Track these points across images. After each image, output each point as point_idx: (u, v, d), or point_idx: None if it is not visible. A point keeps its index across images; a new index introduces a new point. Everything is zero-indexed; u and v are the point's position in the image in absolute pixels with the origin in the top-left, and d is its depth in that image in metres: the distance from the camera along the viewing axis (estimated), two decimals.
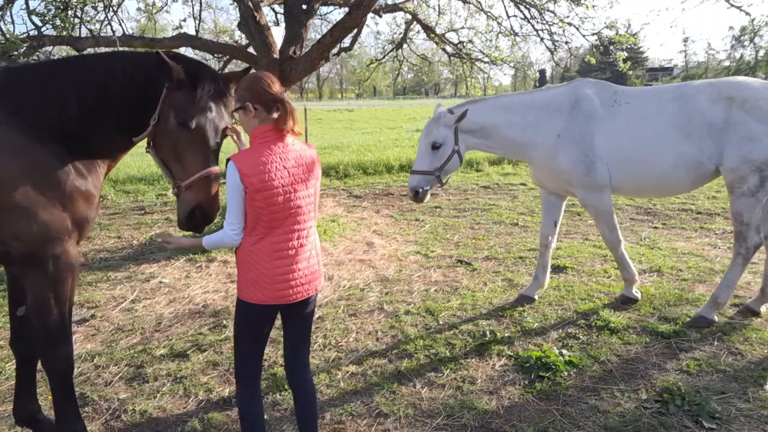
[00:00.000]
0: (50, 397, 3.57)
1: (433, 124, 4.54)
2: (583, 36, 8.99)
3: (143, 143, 2.87)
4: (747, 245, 4.30)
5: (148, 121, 2.73)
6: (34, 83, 2.65)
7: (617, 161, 4.42)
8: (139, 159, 14.08)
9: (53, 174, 2.59)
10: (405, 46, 10.64)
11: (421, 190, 4.52)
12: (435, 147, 4.50)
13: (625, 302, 4.89)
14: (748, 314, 4.62)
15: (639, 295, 4.91)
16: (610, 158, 4.42)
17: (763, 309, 4.59)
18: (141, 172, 12.04)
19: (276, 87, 2.48)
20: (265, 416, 3.31)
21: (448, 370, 3.86)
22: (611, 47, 9.48)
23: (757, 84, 4.30)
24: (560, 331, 4.45)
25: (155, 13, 7.88)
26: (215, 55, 8.61)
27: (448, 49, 9.97)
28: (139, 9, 7.86)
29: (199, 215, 2.73)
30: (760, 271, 5.65)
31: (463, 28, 10.08)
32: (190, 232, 2.87)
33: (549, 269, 5.10)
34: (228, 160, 2.37)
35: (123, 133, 2.82)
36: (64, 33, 6.26)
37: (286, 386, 3.65)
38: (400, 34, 10.56)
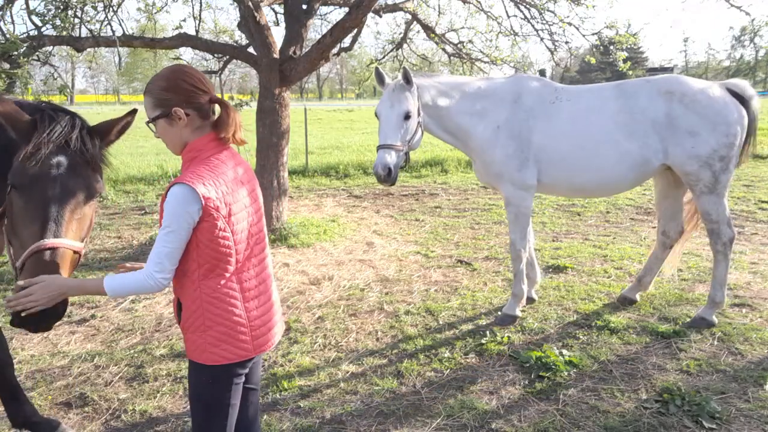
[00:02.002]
0: (50, 397, 3.58)
1: (401, 92, 4.11)
2: (583, 36, 8.97)
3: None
4: (723, 241, 4.33)
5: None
6: None
7: (555, 160, 4.33)
8: (138, 159, 14.11)
9: None
10: (405, 46, 10.62)
11: (394, 167, 4.02)
12: (407, 117, 4.10)
13: (504, 321, 4.54)
14: (625, 303, 4.85)
15: (520, 313, 4.61)
16: (548, 157, 4.32)
17: (638, 297, 4.89)
18: (141, 172, 12.05)
19: (207, 84, 1.94)
20: (265, 416, 3.32)
21: (448, 370, 3.86)
22: (611, 47, 9.47)
23: (692, 80, 4.34)
24: (560, 331, 4.44)
25: (155, 13, 7.87)
26: (215, 55, 8.61)
27: (448, 49, 9.96)
28: (139, 9, 7.86)
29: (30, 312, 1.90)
30: (760, 270, 5.67)
31: (463, 28, 10.06)
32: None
33: (537, 265, 5.06)
34: (175, 183, 1.80)
35: None
36: (64, 33, 6.26)
37: (286, 385, 3.65)
38: (400, 34, 10.54)
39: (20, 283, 1.90)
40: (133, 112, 2.37)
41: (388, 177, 4.03)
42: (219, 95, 1.99)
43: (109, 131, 2.29)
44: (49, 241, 2.01)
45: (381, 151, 4.07)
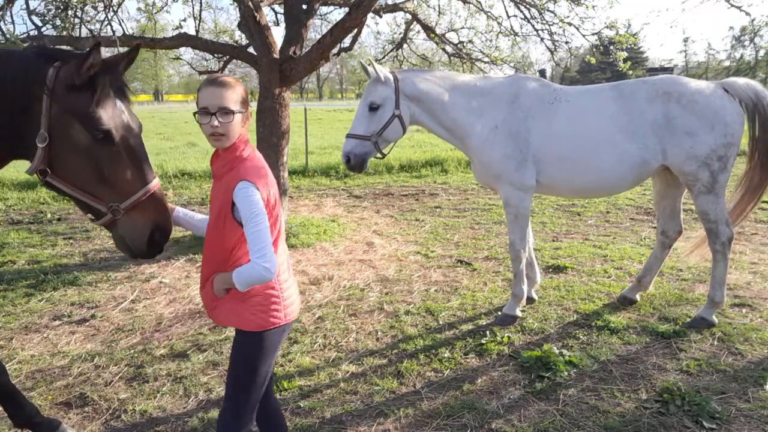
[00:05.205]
0: (50, 397, 3.58)
1: (372, 84, 4.27)
2: (583, 36, 8.97)
3: None
4: (721, 240, 4.33)
5: (29, 143, 2.19)
6: None
7: (553, 160, 4.32)
8: None
9: None
10: (405, 46, 10.62)
11: (353, 156, 4.22)
12: (373, 108, 4.23)
13: (504, 322, 4.56)
14: (625, 303, 4.87)
15: (520, 314, 4.62)
16: (546, 157, 4.32)
17: (638, 297, 4.91)
18: None
19: None
20: None
21: (448, 370, 3.86)
22: (611, 47, 9.46)
23: (690, 81, 4.34)
24: (560, 331, 4.45)
25: (155, 13, 7.87)
26: (215, 55, 8.61)
27: (448, 49, 9.95)
28: (139, 9, 7.86)
29: (159, 237, 2.34)
30: (760, 270, 5.67)
31: (463, 28, 10.05)
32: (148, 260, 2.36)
33: (537, 265, 5.06)
34: (243, 180, 2.10)
35: None
36: (64, 33, 6.26)
37: (286, 385, 3.65)
38: (400, 34, 10.53)
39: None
40: (137, 48, 2.38)
41: (348, 164, 4.29)
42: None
43: (118, 65, 2.34)
44: (156, 183, 2.30)
45: (345, 141, 4.34)
